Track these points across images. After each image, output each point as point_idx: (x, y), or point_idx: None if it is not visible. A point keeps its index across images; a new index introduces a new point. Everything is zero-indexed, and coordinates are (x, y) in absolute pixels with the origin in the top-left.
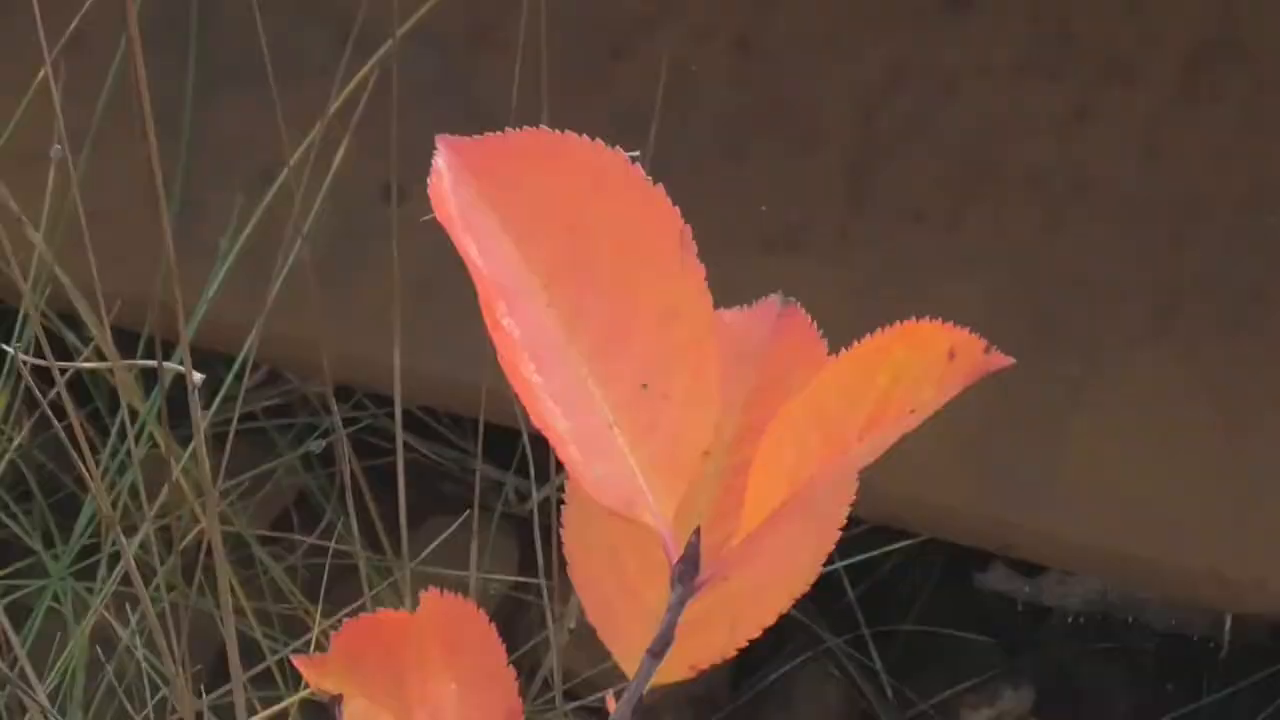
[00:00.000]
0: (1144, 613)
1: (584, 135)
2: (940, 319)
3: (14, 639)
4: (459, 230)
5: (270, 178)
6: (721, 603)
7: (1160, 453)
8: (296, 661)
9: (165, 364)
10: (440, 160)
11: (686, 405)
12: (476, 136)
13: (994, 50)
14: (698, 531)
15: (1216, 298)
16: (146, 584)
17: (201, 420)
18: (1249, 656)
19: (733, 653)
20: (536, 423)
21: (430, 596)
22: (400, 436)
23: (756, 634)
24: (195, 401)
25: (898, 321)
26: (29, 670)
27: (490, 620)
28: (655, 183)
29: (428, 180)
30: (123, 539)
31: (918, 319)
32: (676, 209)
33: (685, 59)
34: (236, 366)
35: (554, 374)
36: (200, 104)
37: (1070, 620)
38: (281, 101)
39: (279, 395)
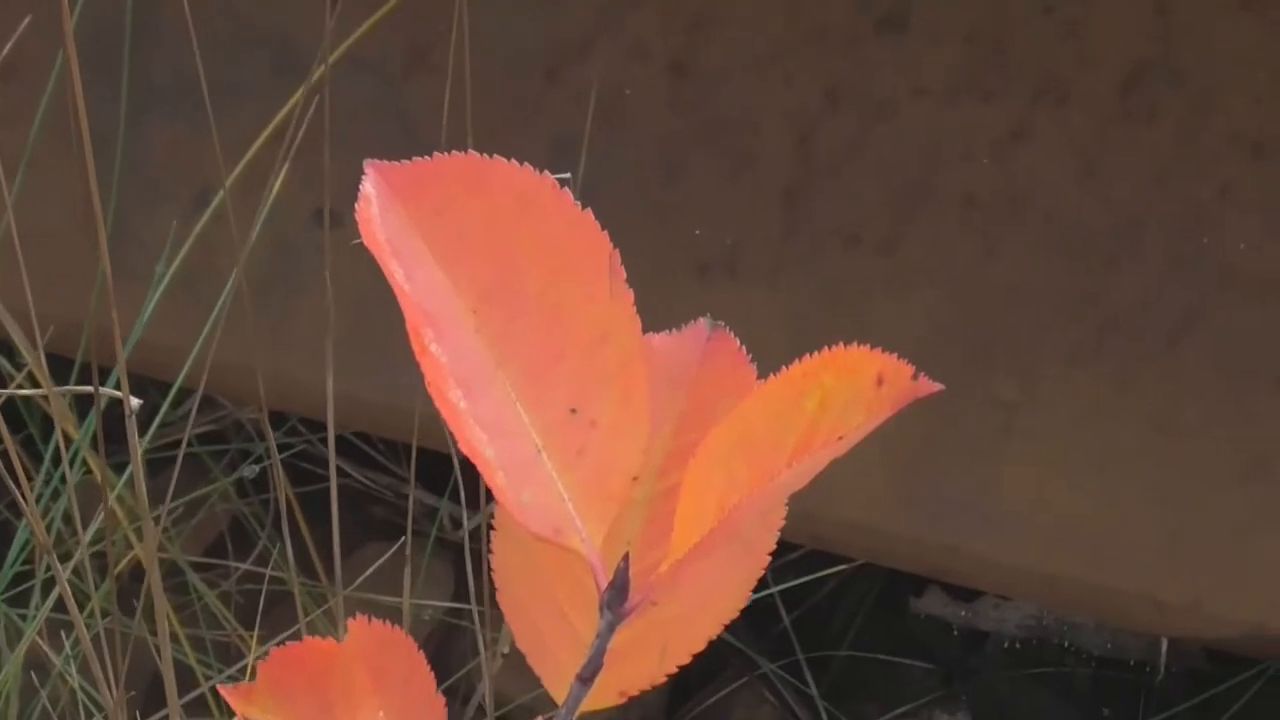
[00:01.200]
0: (1080, 637)
1: (515, 159)
2: (876, 344)
3: None
4: (386, 255)
5: (204, 202)
6: (651, 629)
7: (1095, 476)
8: (224, 692)
9: (101, 389)
10: (368, 185)
11: (615, 431)
12: (404, 161)
13: (928, 73)
14: (626, 557)
15: (1152, 320)
16: (81, 610)
17: (139, 446)
18: (1185, 681)
19: (663, 679)
20: (464, 449)
21: (358, 624)
22: (334, 462)
23: (687, 660)
24: (133, 428)
25: (831, 346)
26: None
27: (423, 646)
28: (585, 207)
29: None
30: (57, 564)
31: (849, 345)
32: (605, 233)
33: (620, 82)
34: (172, 393)
35: (482, 400)
36: (133, 128)
37: (1006, 645)
38: (216, 126)
39: (212, 421)
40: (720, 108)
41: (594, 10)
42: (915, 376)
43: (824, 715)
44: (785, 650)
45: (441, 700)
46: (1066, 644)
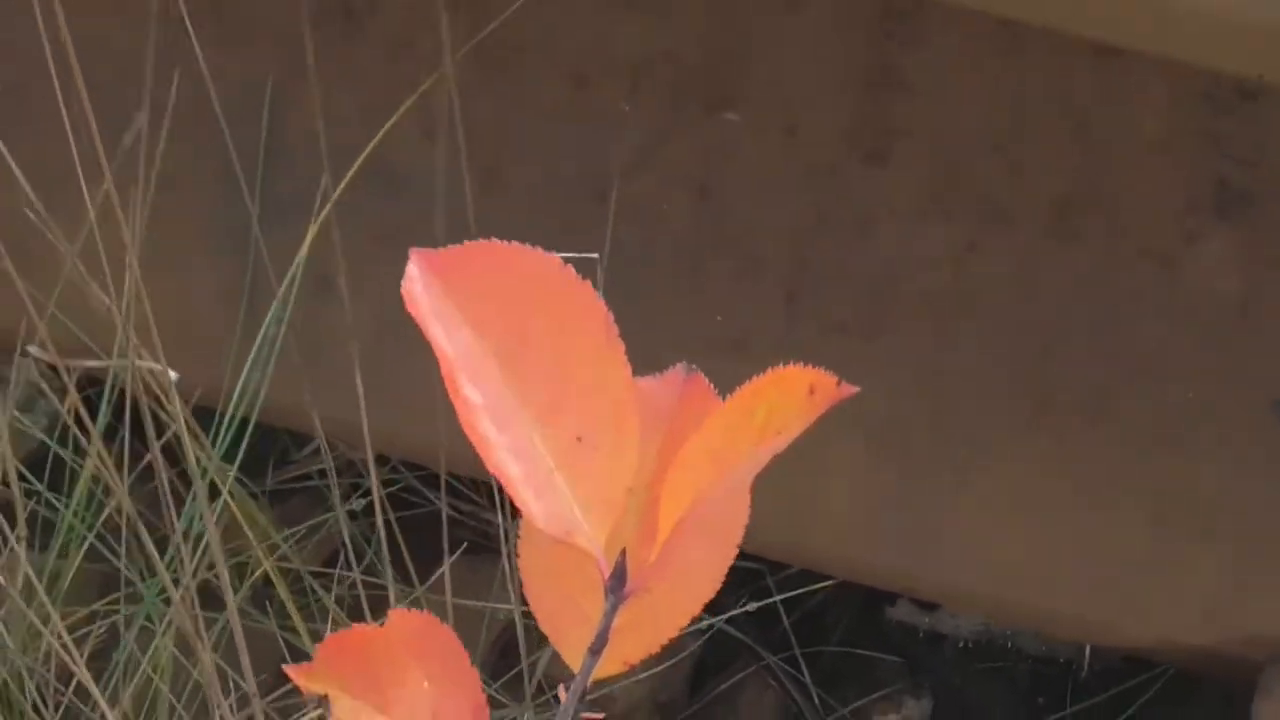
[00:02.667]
0: (1020, 640)
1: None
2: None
3: (81, 674)
4: (428, 320)
5: (324, 287)
6: (645, 609)
7: (1032, 521)
8: (287, 670)
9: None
10: (412, 266)
11: (612, 454)
12: (443, 248)
13: (900, 197)
14: (624, 553)
15: (1078, 399)
16: (221, 609)
17: (268, 481)
18: (1104, 676)
19: (656, 649)
20: (493, 470)
21: (398, 613)
22: (439, 491)
23: (675, 633)
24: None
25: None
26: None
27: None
28: (625, 300)
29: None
30: (182, 576)
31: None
32: (602, 301)
33: (657, 199)
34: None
35: (507, 431)
36: (266, 229)
37: (960, 645)
38: (337, 230)
39: (329, 462)
40: (735, 223)
41: (636, 141)
42: (839, 384)
43: (815, 698)
44: (785, 646)
45: (475, 671)
46: (1009, 645)
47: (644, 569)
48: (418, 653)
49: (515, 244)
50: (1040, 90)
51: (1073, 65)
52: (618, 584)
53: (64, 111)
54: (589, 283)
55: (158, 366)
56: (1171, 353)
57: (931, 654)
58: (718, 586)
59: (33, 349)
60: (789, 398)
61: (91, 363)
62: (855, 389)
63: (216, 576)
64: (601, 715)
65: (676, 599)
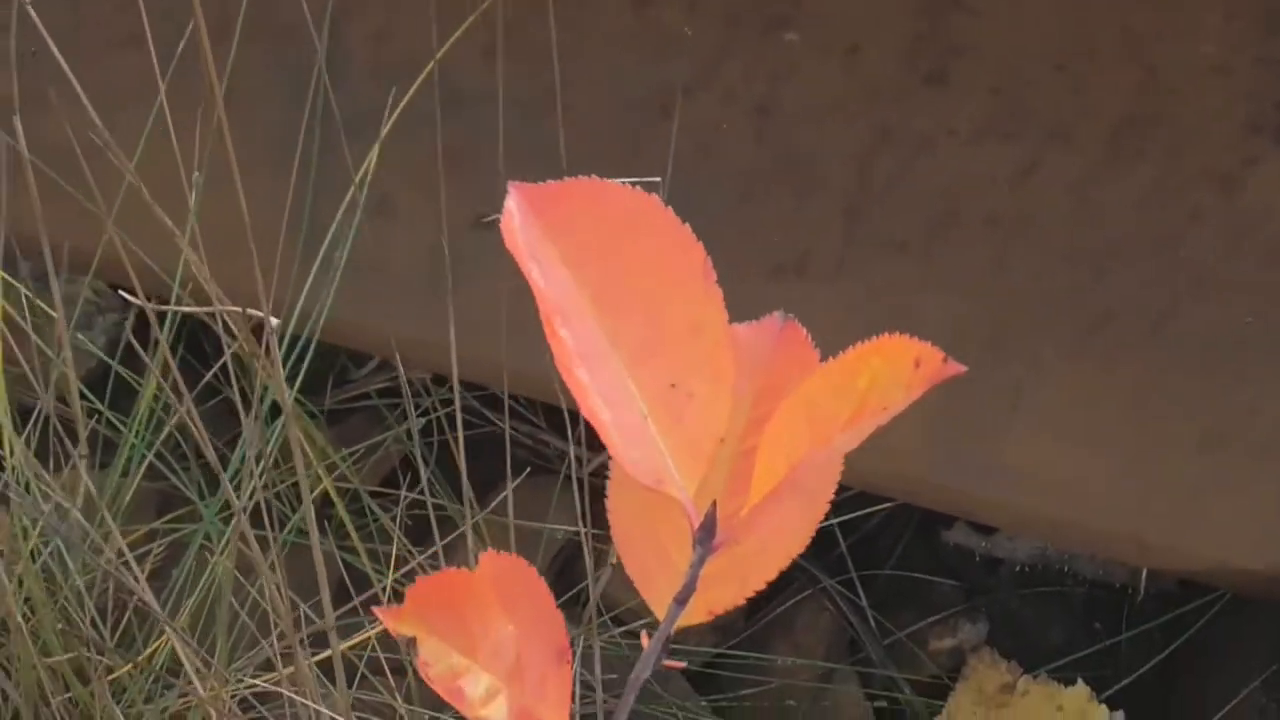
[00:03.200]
0: (1075, 564)
1: (628, 181)
2: (913, 332)
3: (141, 591)
4: (525, 258)
5: (385, 208)
6: (733, 561)
7: (1086, 442)
8: (377, 612)
9: (266, 325)
10: (511, 201)
11: (706, 402)
12: (541, 183)
13: (960, 117)
14: (714, 504)
15: (1132, 320)
16: (280, 528)
17: (327, 401)
18: (1159, 602)
19: (743, 602)
20: (585, 414)
21: (489, 556)
22: (505, 414)
23: (762, 587)
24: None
25: (880, 335)
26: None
27: (553, 561)
28: (684, 221)
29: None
30: (246, 493)
31: (895, 334)
32: (700, 243)
33: (718, 120)
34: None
35: (600, 375)
36: (328, 149)
37: (1017, 569)
38: (396, 147)
39: (388, 381)
40: (795, 142)
41: (696, 62)
42: (945, 361)
43: (871, 622)
44: (841, 569)
45: (559, 615)
46: (1065, 569)
47: (734, 522)
48: (504, 597)
49: (614, 182)
50: (1101, 11)
51: None
52: (707, 535)
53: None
54: (687, 226)
55: (257, 313)
56: (1229, 273)
57: (988, 578)
58: (807, 543)
59: (124, 294)
60: (894, 368)
61: (186, 308)
62: (961, 368)
63: (275, 496)
64: (683, 665)
65: (765, 553)
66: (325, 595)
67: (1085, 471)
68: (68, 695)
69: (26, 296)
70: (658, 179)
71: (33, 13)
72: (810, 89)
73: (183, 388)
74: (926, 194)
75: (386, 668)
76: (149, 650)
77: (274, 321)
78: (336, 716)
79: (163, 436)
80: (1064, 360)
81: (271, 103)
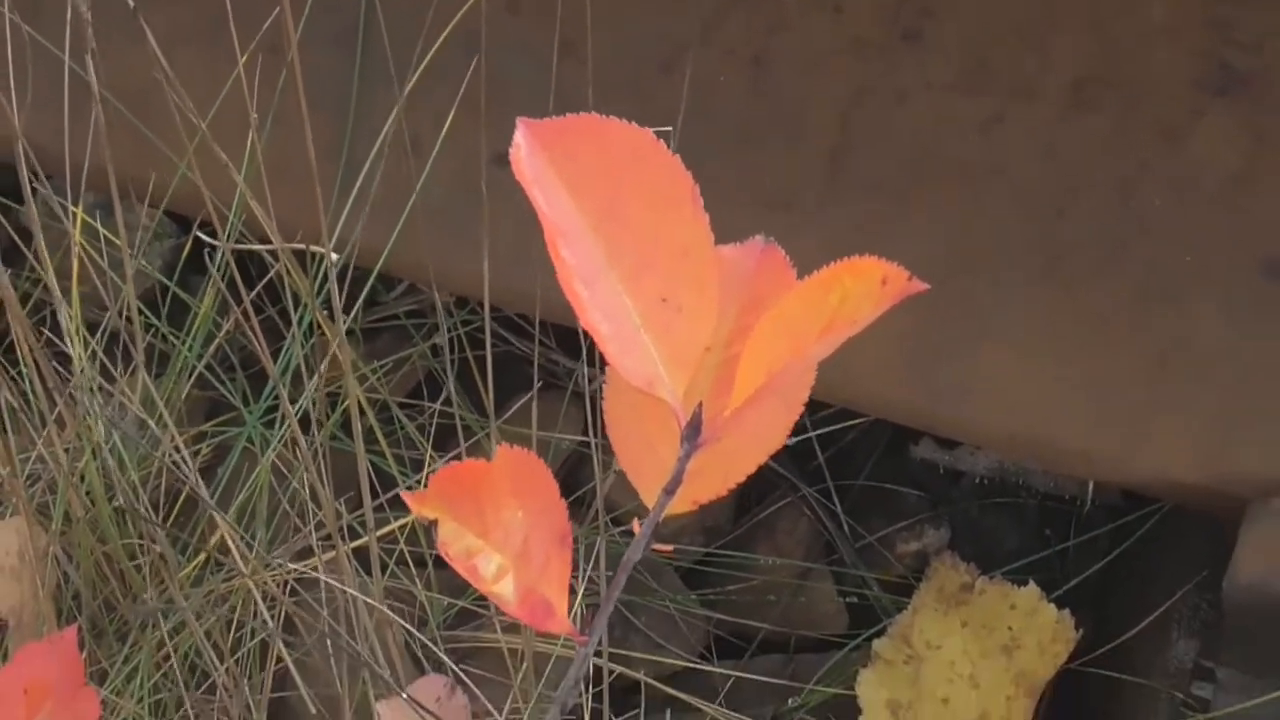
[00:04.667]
0: (1030, 478)
1: (636, 124)
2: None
3: (194, 484)
4: (531, 186)
5: (416, 146)
6: (716, 457)
7: (1045, 364)
8: (404, 496)
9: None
10: (519, 134)
11: (693, 315)
12: (546, 118)
13: (934, 72)
14: (700, 406)
15: (1089, 253)
16: (316, 433)
17: (359, 319)
18: (1105, 511)
19: (725, 493)
20: (585, 326)
21: (504, 449)
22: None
23: (742, 480)
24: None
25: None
26: (202, 494)
27: (560, 468)
28: (686, 162)
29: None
30: (283, 403)
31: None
32: (689, 173)
33: (716, 72)
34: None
35: (597, 290)
36: (363, 92)
37: (977, 481)
38: (421, 94)
39: (415, 302)
40: (785, 93)
41: (697, 19)
42: (910, 279)
43: (845, 527)
44: (819, 480)
45: (563, 503)
46: (1020, 482)
47: (717, 422)
48: (516, 486)
49: (613, 118)
50: None
51: None
52: (693, 434)
53: None
54: (678, 157)
55: (318, 248)
56: (1173, 218)
57: (950, 489)
58: (783, 442)
59: (201, 235)
60: (863, 285)
61: (257, 246)
62: (924, 286)
63: (312, 403)
64: (670, 548)
65: (745, 451)
66: (365, 486)
67: (1041, 390)
68: (122, 579)
69: (92, 224)
70: (669, 128)
71: None
72: (800, 44)
73: (246, 300)
74: (902, 141)
75: (410, 560)
76: (197, 537)
77: (334, 256)
78: (371, 600)
79: (212, 349)
80: (1024, 290)
81: (316, 54)
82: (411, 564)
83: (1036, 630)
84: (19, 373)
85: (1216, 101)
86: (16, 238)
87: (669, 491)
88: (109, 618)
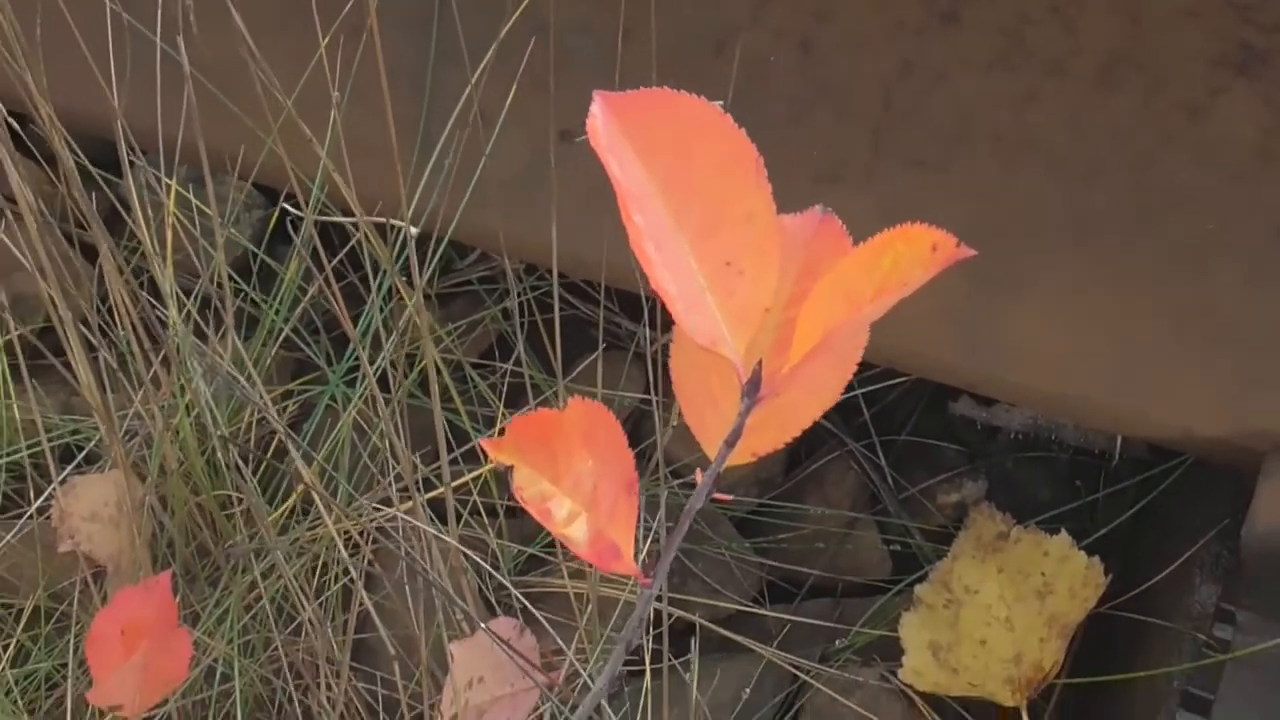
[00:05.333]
0: (1062, 433)
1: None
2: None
3: (284, 434)
4: (605, 154)
5: (488, 122)
6: (774, 412)
7: (1075, 326)
8: (483, 443)
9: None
10: (596, 106)
11: (755, 278)
12: (621, 92)
13: (972, 52)
14: (760, 363)
15: (1116, 224)
16: (395, 391)
17: (434, 284)
18: (1132, 465)
19: (782, 446)
20: (654, 286)
21: (575, 401)
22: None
23: (798, 434)
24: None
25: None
26: (291, 445)
27: (623, 423)
28: (740, 128)
29: (586, 122)
30: (363, 365)
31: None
32: (754, 145)
33: (766, 53)
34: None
35: (666, 253)
36: (436, 73)
37: (1012, 436)
38: (491, 73)
39: (487, 269)
40: (833, 73)
41: (748, 4)
42: (958, 245)
43: (889, 480)
44: (864, 435)
45: (631, 453)
46: (1053, 437)
47: (776, 379)
48: (586, 436)
49: (683, 92)
50: None
51: None
52: (753, 389)
53: None
54: (742, 130)
55: (398, 222)
56: (1195, 188)
57: (987, 444)
58: (837, 398)
59: (287, 206)
60: (913, 251)
61: (339, 218)
62: (972, 252)
63: (390, 364)
64: (730, 498)
65: (801, 406)
66: (441, 441)
67: (1072, 350)
68: (214, 528)
69: (186, 196)
70: (720, 102)
71: None
72: (846, 27)
73: (329, 268)
74: (942, 117)
75: (482, 510)
76: (284, 489)
77: (412, 228)
78: (446, 545)
79: (297, 313)
80: (1058, 257)
81: (395, 36)
82: (484, 514)
83: (1068, 576)
84: (118, 335)
85: (1236, 79)
86: (120, 207)
87: (730, 444)
88: (201, 564)
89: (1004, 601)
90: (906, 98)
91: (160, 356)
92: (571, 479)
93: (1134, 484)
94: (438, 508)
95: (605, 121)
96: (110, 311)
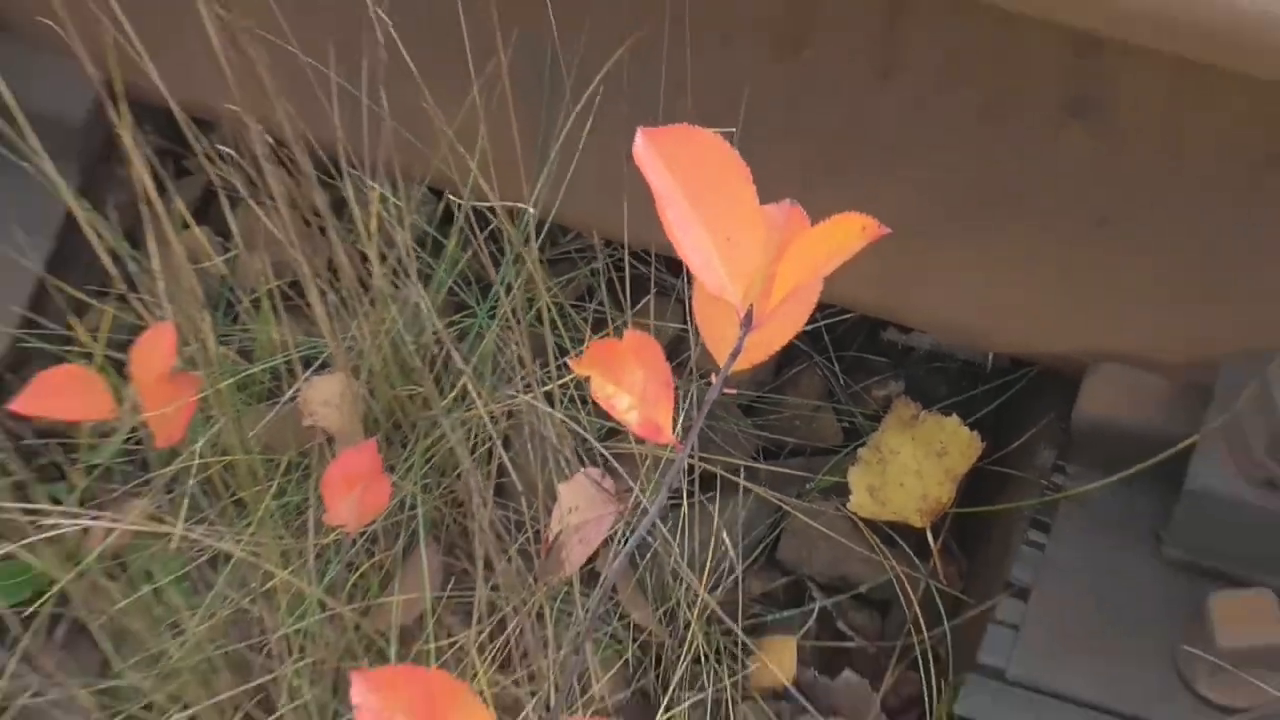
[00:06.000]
0: (955, 350)
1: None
2: (880, 216)
3: (451, 345)
4: (646, 170)
5: (584, 141)
6: (762, 335)
7: (959, 279)
8: (569, 362)
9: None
10: (639, 137)
11: (748, 249)
12: (657, 127)
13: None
14: (752, 306)
15: (986, 212)
16: (520, 323)
17: (545, 251)
18: (1000, 371)
19: (766, 359)
20: (681, 256)
21: (629, 332)
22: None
23: (776, 350)
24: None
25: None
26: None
27: (666, 344)
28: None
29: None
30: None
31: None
32: (745, 162)
33: (765, 105)
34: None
35: (689, 235)
36: (549, 104)
37: (922, 353)
38: (591, 106)
39: (581, 244)
40: (803, 115)
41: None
42: (879, 226)
43: (841, 381)
44: (825, 352)
45: (668, 365)
46: (948, 354)
47: (762, 315)
48: (638, 355)
49: (698, 127)
50: None
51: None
52: (748, 322)
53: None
54: (736, 151)
55: (523, 206)
56: (1040, 185)
57: (905, 358)
58: (801, 328)
59: (462, 202)
60: (849, 231)
61: (484, 204)
62: (889, 230)
63: (518, 306)
64: (734, 391)
65: (779, 333)
66: (550, 355)
67: (956, 295)
68: (404, 409)
69: (385, 194)
70: (732, 129)
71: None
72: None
73: (477, 240)
74: (885, 133)
75: (577, 400)
76: (450, 384)
77: (532, 211)
78: (557, 416)
79: (456, 270)
80: (963, 228)
81: (520, 78)
82: (579, 401)
83: (958, 443)
84: (340, 285)
85: (1071, 122)
86: (353, 201)
87: (733, 356)
88: (396, 433)
89: (915, 459)
90: (850, 136)
91: (369, 299)
92: (628, 382)
93: (1001, 384)
94: (549, 397)
95: (646, 148)
96: (335, 270)
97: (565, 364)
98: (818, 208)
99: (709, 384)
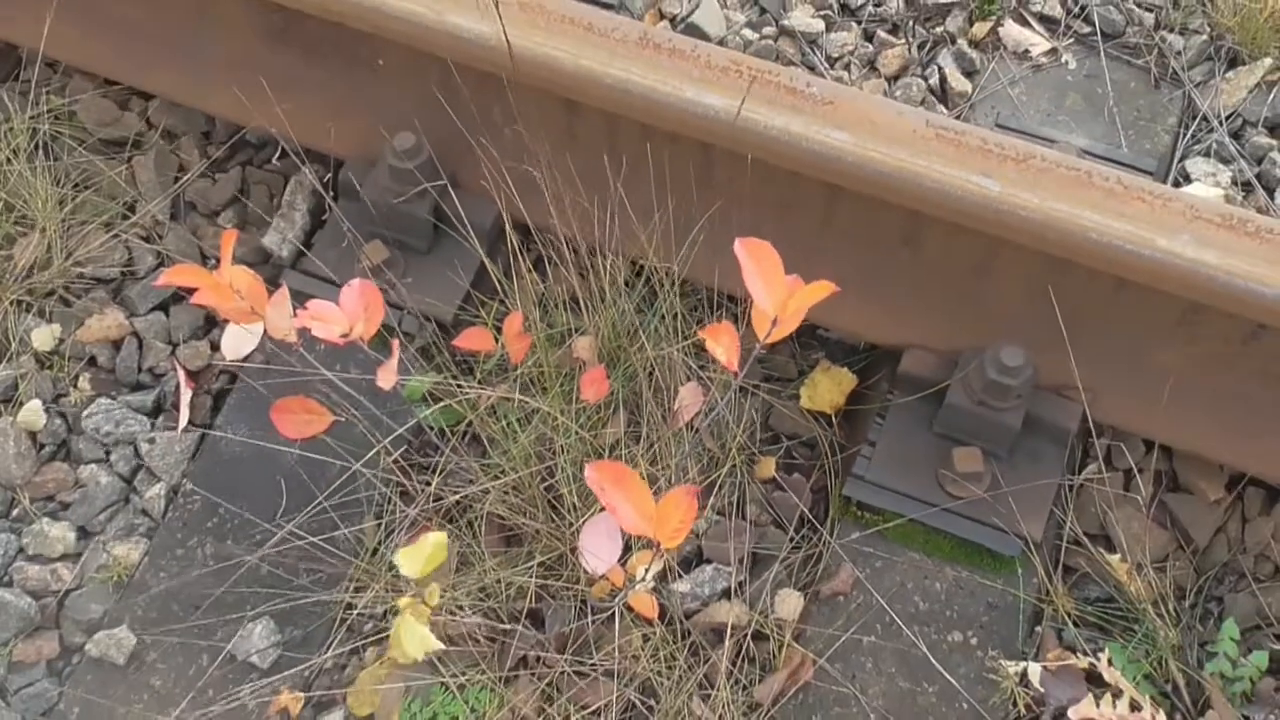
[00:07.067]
0: (845, 338)
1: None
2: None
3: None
4: (741, 255)
5: (695, 233)
6: (777, 329)
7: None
8: (700, 332)
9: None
10: (739, 243)
11: (777, 289)
12: (746, 237)
13: None
14: (775, 317)
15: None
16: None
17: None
18: (871, 348)
19: (780, 340)
20: (750, 293)
21: (744, 239)
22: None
23: (786, 336)
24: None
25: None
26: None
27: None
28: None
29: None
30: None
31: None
32: (775, 250)
33: (792, 232)
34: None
35: (754, 279)
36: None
37: (833, 340)
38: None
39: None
40: (839, 234)
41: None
42: (835, 288)
43: (797, 349)
44: (799, 336)
45: (738, 335)
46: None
47: (779, 320)
48: (727, 332)
49: (756, 238)
50: None
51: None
52: (774, 323)
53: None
54: (768, 243)
55: (669, 265)
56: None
57: (825, 340)
58: (795, 328)
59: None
60: (809, 293)
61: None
62: (837, 289)
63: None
64: (765, 348)
65: (785, 330)
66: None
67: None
68: (618, 345)
69: (568, 255)
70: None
71: None
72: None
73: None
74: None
75: (693, 350)
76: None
77: (675, 268)
78: (676, 354)
79: (637, 294)
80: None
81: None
82: (694, 351)
83: (846, 379)
84: (556, 301)
85: None
86: (534, 260)
87: (766, 337)
88: (615, 360)
89: (827, 384)
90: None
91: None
92: (721, 350)
93: (865, 354)
94: (684, 350)
95: (741, 247)
96: (549, 297)
97: (696, 332)
98: (810, 274)
99: (751, 350)
